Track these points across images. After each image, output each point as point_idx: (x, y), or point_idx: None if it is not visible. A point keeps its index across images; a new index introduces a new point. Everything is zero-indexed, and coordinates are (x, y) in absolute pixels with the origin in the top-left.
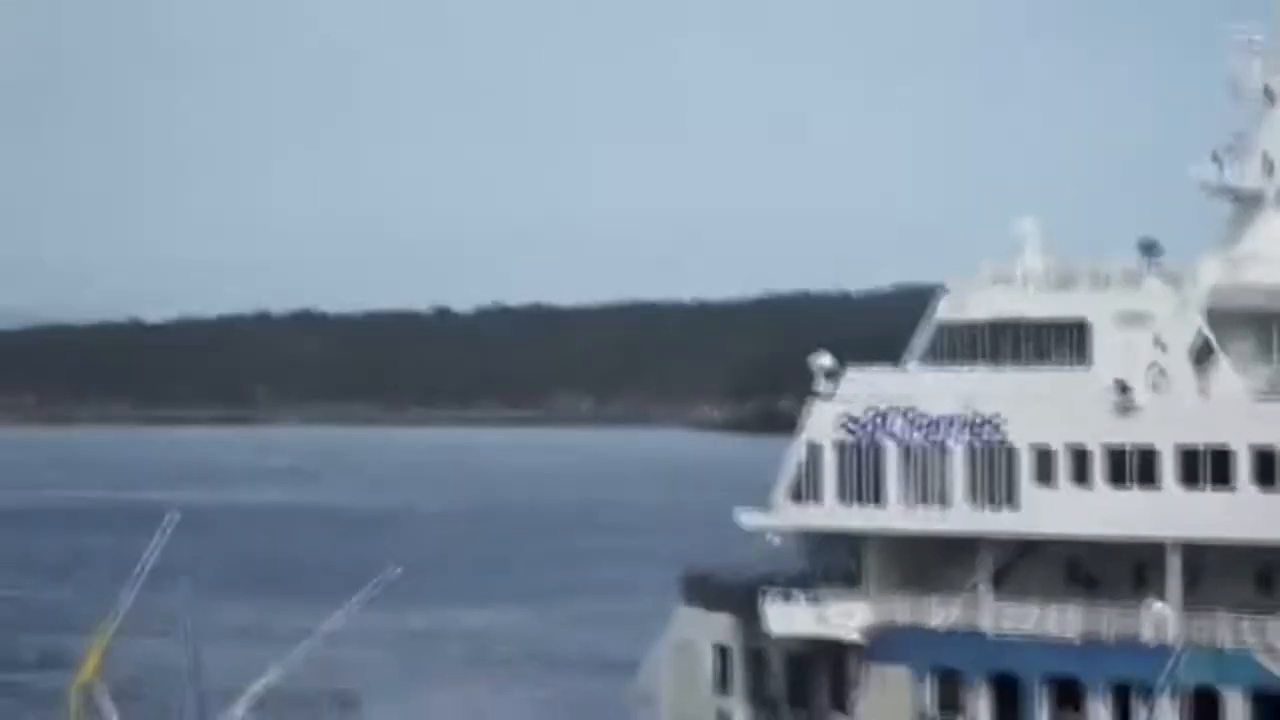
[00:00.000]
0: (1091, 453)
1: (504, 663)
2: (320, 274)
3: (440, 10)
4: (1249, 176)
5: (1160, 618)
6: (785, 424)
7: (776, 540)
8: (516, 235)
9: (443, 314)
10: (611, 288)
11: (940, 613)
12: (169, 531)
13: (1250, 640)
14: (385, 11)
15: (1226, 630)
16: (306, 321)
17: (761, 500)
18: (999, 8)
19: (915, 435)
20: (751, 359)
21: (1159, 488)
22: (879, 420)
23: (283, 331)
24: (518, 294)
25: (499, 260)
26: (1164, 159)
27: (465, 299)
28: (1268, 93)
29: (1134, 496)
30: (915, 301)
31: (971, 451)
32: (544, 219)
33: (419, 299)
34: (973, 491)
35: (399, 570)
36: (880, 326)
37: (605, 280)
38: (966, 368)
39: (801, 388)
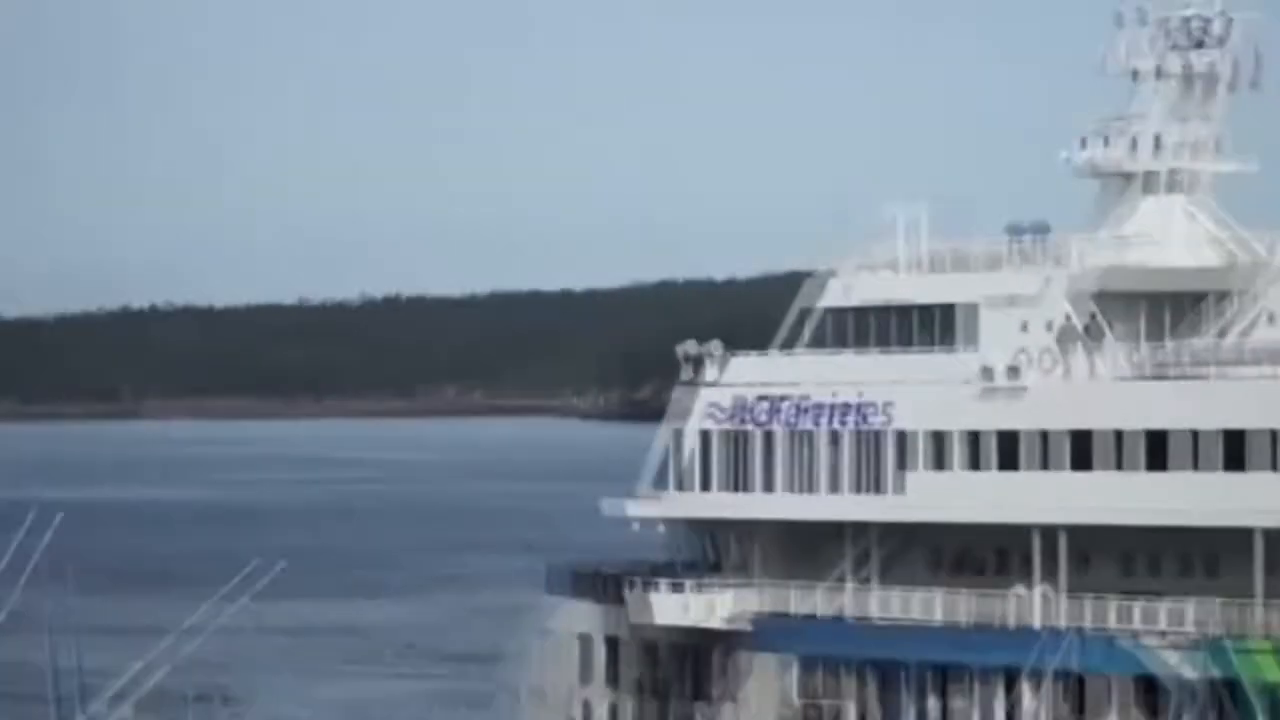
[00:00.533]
0: (969, 437)
1: (385, 656)
2: (205, 268)
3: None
4: (1117, 158)
5: (1039, 602)
6: (654, 412)
7: (641, 528)
8: (389, 226)
9: (322, 305)
10: (481, 278)
11: (815, 600)
12: (53, 530)
13: (1130, 624)
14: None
15: (1106, 614)
16: (190, 315)
17: (629, 489)
18: None
19: (787, 422)
20: (621, 348)
21: (1040, 471)
22: (749, 407)
23: (165, 325)
24: (388, 284)
25: (371, 251)
26: (1037, 141)
27: (345, 290)
28: (1135, 74)
29: (1014, 480)
30: (785, 288)
31: (846, 438)
32: (417, 210)
33: (300, 291)
34: (849, 477)
35: (281, 564)
36: (749, 313)
37: (475, 271)
38: (840, 353)
39: (670, 376)
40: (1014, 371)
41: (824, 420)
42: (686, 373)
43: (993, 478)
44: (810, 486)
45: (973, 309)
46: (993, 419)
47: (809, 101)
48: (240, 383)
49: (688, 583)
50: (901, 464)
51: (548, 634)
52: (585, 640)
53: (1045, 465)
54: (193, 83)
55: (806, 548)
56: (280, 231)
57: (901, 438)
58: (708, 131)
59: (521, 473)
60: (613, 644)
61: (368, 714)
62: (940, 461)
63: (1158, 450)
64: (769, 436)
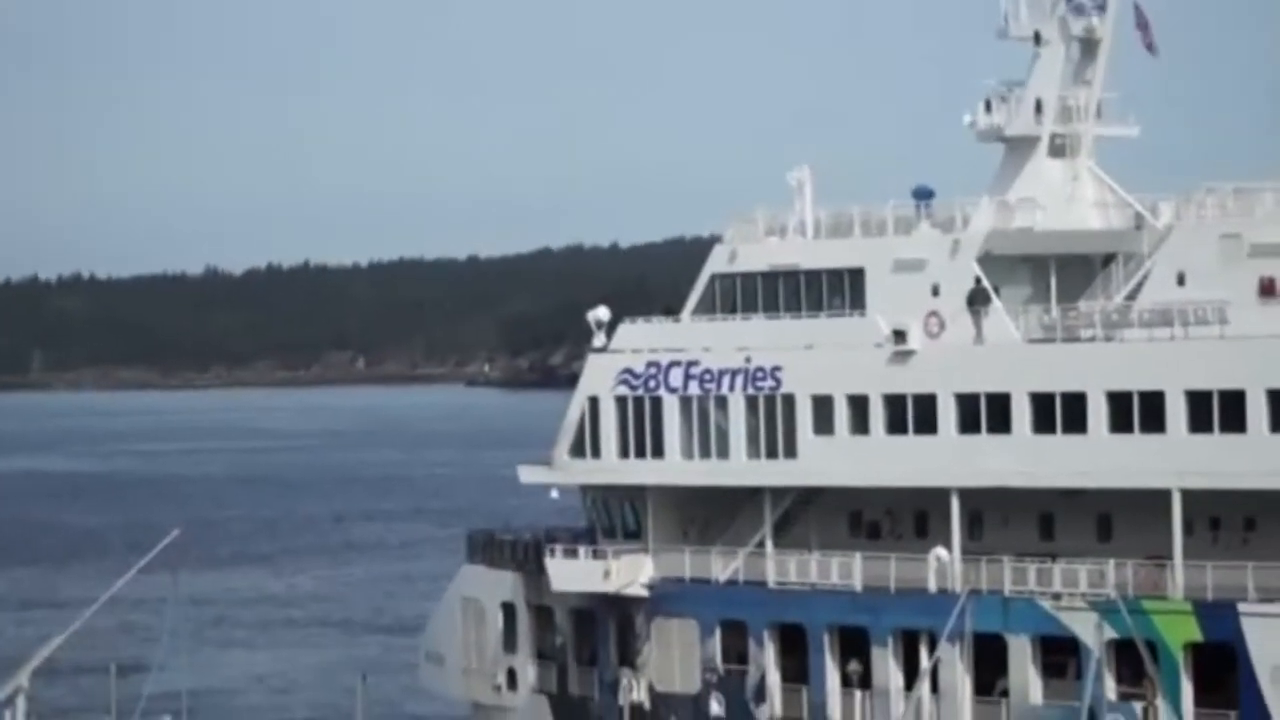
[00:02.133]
0: (870, 401)
1: (292, 625)
2: (89, 239)
3: None
4: (1021, 122)
5: (943, 565)
6: (561, 379)
7: (557, 495)
8: (284, 195)
9: (212, 275)
10: (383, 246)
11: (724, 565)
12: None
13: (1034, 586)
14: None
15: (1010, 576)
16: (76, 286)
17: (542, 456)
18: None
19: (694, 387)
20: (526, 314)
21: (938, 435)
22: (657, 373)
23: (52, 295)
24: (287, 254)
25: (268, 221)
26: (938, 104)
27: (234, 260)
28: (1038, 38)
29: (913, 444)
30: (688, 253)
31: (751, 402)
32: (312, 178)
33: (188, 261)
34: (753, 442)
35: (177, 532)
36: (653, 279)
37: (376, 239)
38: (743, 318)
39: (578, 342)
40: (900, 335)
41: (734, 385)
42: (597, 338)
43: (911, 442)
44: (722, 451)
45: (859, 274)
46: (881, 383)
47: (713, 67)
48: (137, 353)
49: (608, 549)
50: (791, 429)
51: (470, 602)
52: (507, 608)
53: (933, 429)
54: (95, 55)
55: (719, 512)
56: (179, 202)
57: (790, 402)
58: (616, 99)
59: (428, 440)
60: (535, 612)
61: (280, 684)
62: (858, 425)
63: (1043, 413)
64: (682, 402)
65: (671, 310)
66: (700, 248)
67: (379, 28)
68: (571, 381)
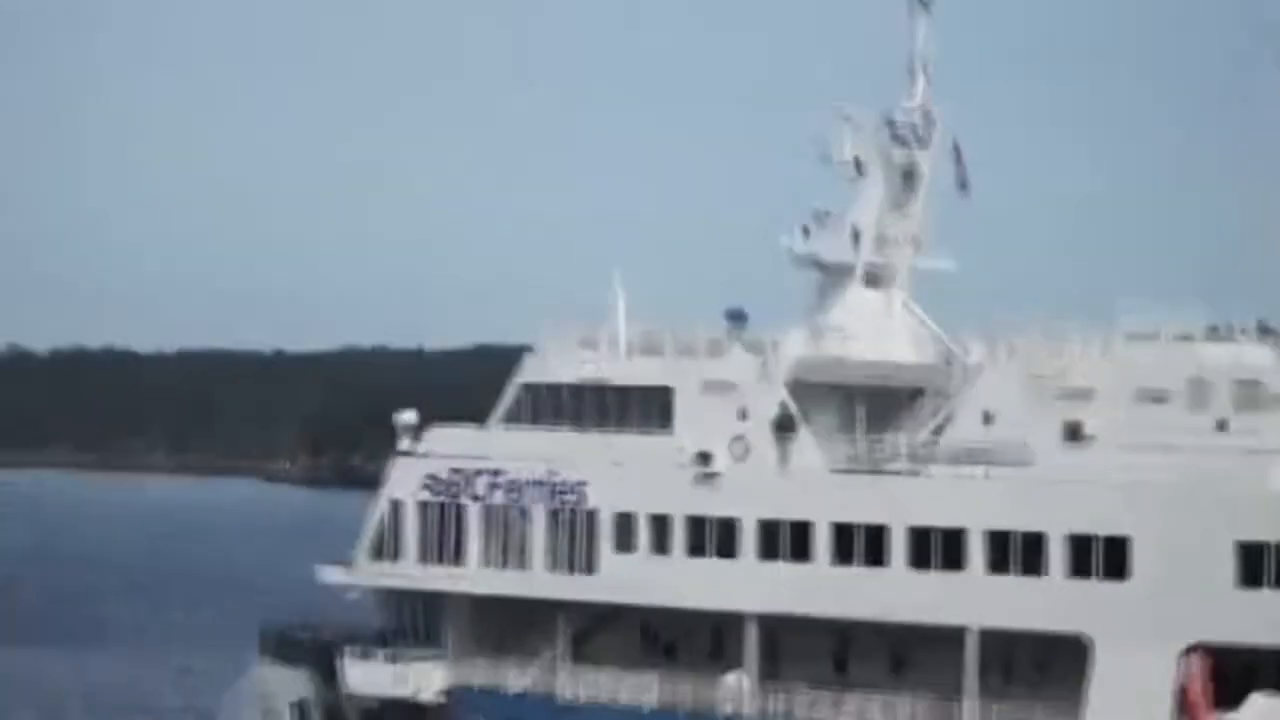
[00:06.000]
0: (672, 521)
1: (81, 712)
2: None
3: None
4: (837, 249)
5: (736, 689)
6: (360, 479)
7: (357, 596)
8: (93, 277)
9: (15, 352)
10: (188, 335)
11: (517, 676)
12: None
13: (827, 716)
14: None
15: (802, 704)
16: None
17: (339, 556)
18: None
19: (498, 496)
20: (328, 413)
21: (738, 559)
22: (462, 480)
23: None
24: (93, 337)
25: (75, 302)
26: (755, 227)
27: (40, 339)
28: (858, 164)
29: (713, 566)
30: (492, 360)
31: (553, 515)
32: (122, 262)
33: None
34: (553, 555)
35: None
36: (456, 384)
37: (181, 327)
38: (551, 430)
39: (378, 443)
40: (706, 457)
41: (537, 496)
42: (403, 442)
43: (710, 565)
44: (522, 562)
45: (668, 392)
46: (684, 504)
47: (525, 172)
48: None
49: (401, 654)
50: (593, 544)
51: (262, 700)
52: (300, 708)
53: (733, 553)
54: None
55: (517, 622)
56: None
57: (593, 517)
58: (422, 200)
59: (228, 534)
60: (328, 713)
61: None
62: (659, 544)
63: (844, 543)
64: (484, 510)
65: (479, 418)
66: (505, 355)
67: (189, 96)
68: (371, 482)
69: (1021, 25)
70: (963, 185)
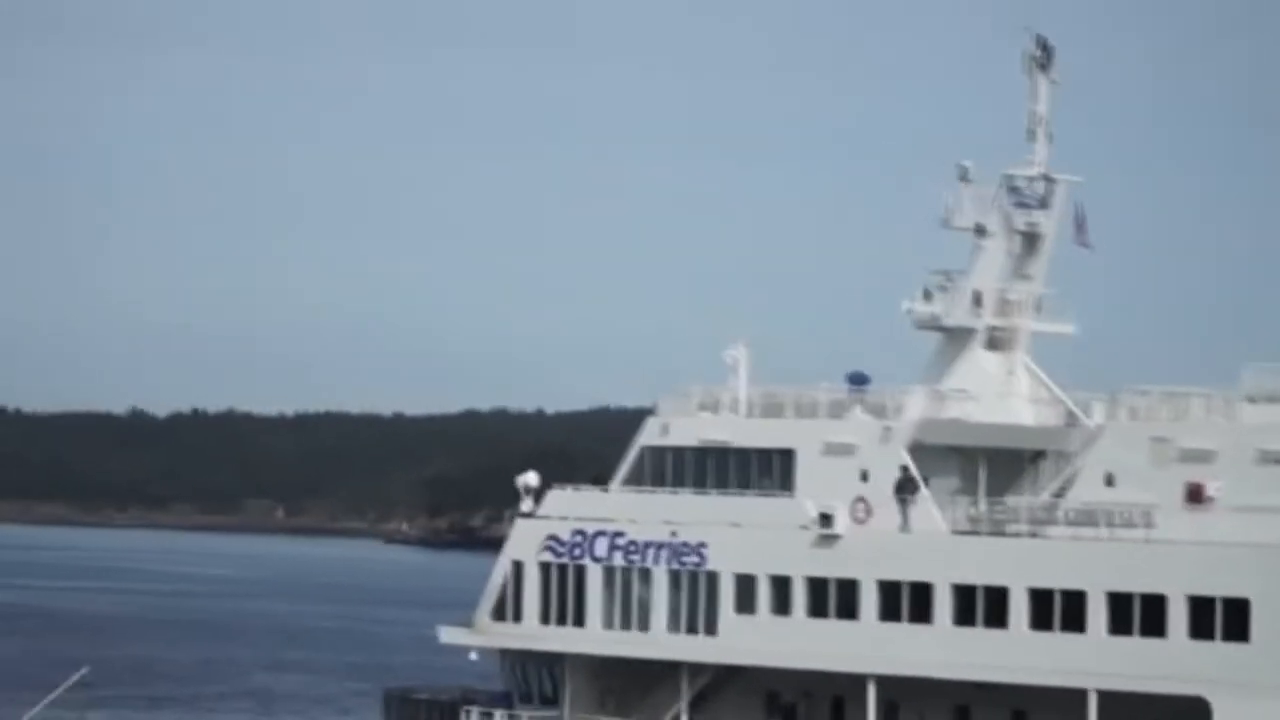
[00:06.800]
0: (792, 582)
1: None
2: (12, 372)
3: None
4: (959, 313)
5: None
6: (480, 541)
7: (477, 657)
8: (211, 342)
9: (137, 416)
10: (308, 398)
11: None
12: None
13: None
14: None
15: None
16: (8, 420)
17: (459, 617)
18: (701, 124)
19: (618, 558)
20: (448, 474)
21: (859, 620)
22: (583, 541)
23: None
24: (212, 401)
25: (193, 366)
26: (875, 289)
27: (160, 403)
28: (979, 229)
29: (833, 628)
30: (612, 422)
31: (674, 576)
32: (240, 326)
33: (114, 401)
34: (674, 617)
35: (85, 670)
36: (577, 446)
37: (301, 390)
38: (671, 492)
39: (498, 505)
40: (827, 519)
41: (658, 558)
42: (525, 503)
43: (831, 626)
44: (643, 624)
45: (789, 454)
46: (804, 565)
47: (649, 235)
48: (59, 490)
49: (521, 714)
50: (713, 605)
51: None
52: None
53: (854, 614)
54: (23, 175)
55: (637, 683)
56: (101, 339)
57: (713, 579)
58: (547, 264)
59: (348, 594)
60: None
61: None
62: (780, 606)
63: (965, 605)
64: (605, 571)
65: (600, 479)
66: (624, 418)
67: (324, 175)
68: (489, 544)
69: (1149, 82)
70: (1084, 244)
